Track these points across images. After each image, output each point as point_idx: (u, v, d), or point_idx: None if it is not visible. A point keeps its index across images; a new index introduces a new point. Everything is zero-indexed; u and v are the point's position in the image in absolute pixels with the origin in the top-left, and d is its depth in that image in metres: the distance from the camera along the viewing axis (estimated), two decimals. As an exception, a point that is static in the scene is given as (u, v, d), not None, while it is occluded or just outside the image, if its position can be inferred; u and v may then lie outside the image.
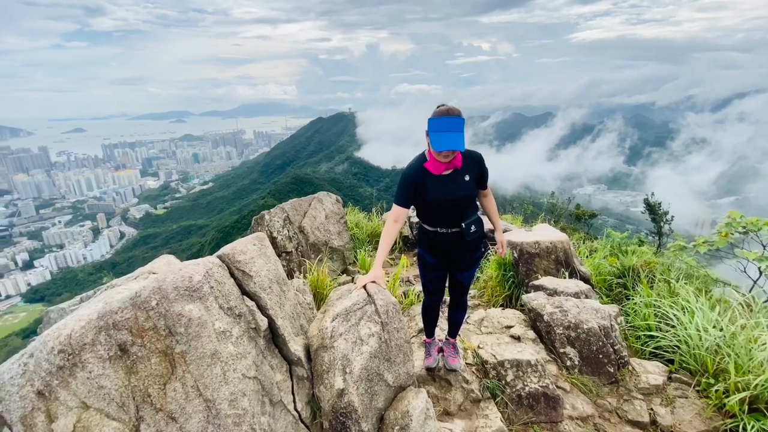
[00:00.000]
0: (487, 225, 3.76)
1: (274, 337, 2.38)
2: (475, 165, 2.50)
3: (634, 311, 3.76)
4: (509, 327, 3.63)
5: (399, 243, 6.56)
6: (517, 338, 3.43)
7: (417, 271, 2.89)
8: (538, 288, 3.95)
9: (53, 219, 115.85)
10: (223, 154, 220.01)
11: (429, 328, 3.11)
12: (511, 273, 4.46)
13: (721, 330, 3.13)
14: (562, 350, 3.27)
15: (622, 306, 3.96)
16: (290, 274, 4.93)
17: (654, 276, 4.15)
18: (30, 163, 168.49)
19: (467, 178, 2.45)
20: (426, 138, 2.37)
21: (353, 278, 5.24)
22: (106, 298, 2.14)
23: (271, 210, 5.39)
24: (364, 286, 2.64)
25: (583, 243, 6.25)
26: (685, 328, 3.22)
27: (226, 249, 2.33)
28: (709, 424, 2.73)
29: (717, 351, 3.03)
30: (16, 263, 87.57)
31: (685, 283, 3.83)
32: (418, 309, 3.94)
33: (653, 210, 9.04)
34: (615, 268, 4.54)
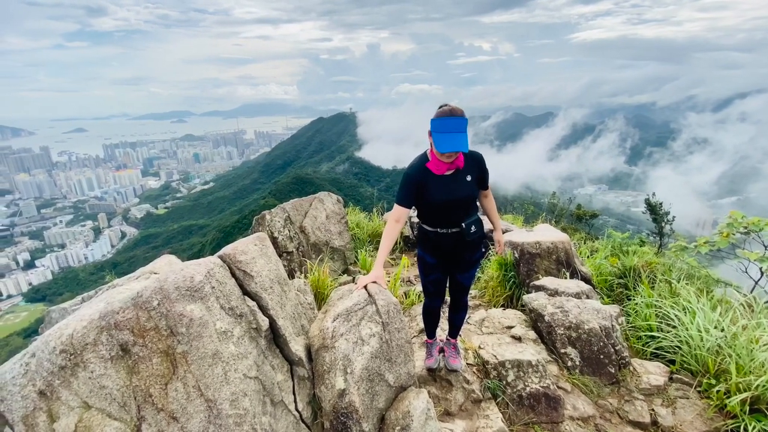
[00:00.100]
0: (487, 225, 3.76)
1: (276, 338, 2.38)
2: (476, 165, 2.50)
3: (635, 312, 3.75)
4: (510, 327, 3.63)
5: (400, 243, 6.56)
6: (518, 338, 3.42)
7: (418, 271, 2.89)
8: (539, 288, 3.94)
9: (54, 219, 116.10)
10: (224, 154, 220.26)
11: (430, 329, 3.11)
12: (512, 273, 4.46)
13: (722, 330, 3.13)
14: (563, 350, 3.27)
15: (623, 306, 3.95)
16: (291, 274, 4.93)
17: (655, 276, 4.14)
18: (31, 163, 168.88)
19: (469, 178, 2.45)
20: (429, 138, 2.36)
21: (354, 278, 5.24)
22: (108, 298, 2.15)
23: (272, 210, 5.40)
24: (365, 287, 2.64)
25: (584, 243, 6.25)
26: (687, 329, 3.22)
27: (227, 249, 2.33)
28: (710, 425, 2.73)
29: (718, 351, 3.03)
30: (17, 263, 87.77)
31: (687, 284, 3.83)
32: (419, 309, 3.94)
33: (654, 210, 9.02)
34: (616, 269, 4.54)
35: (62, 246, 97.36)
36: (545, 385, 2.88)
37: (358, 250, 5.79)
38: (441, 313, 3.13)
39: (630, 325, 3.68)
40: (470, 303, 4.36)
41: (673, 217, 8.94)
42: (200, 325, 1.91)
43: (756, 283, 4.19)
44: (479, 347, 3.25)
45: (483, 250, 2.72)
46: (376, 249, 5.75)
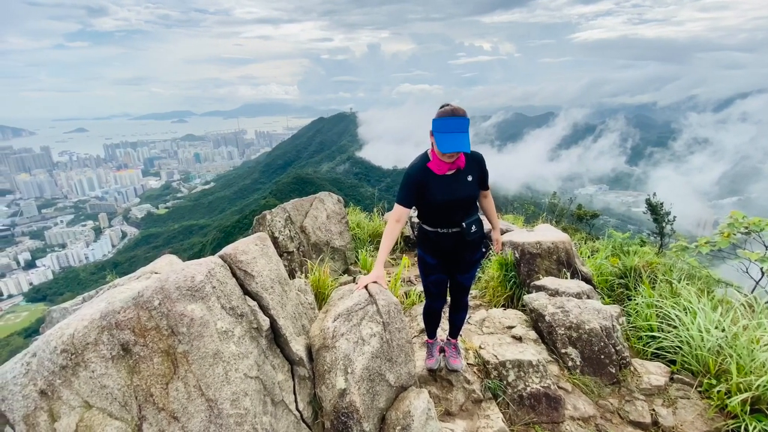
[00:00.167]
0: (487, 225, 3.76)
1: (276, 337, 2.38)
2: (477, 166, 2.50)
3: (636, 312, 3.75)
4: (511, 327, 3.62)
5: (400, 243, 6.56)
6: (519, 339, 3.42)
7: (418, 271, 2.89)
8: (539, 288, 3.94)
9: (55, 218, 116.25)
10: (225, 154, 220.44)
11: (431, 330, 3.10)
12: (513, 273, 4.45)
13: (723, 331, 3.12)
14: (563, 351, 3.27)
15: (624, 306, 3.95)
16: (292, 274, 4.94)
17: (656, 276, 4.14)
18: (32, 163, 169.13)
19: (470, 178, 2.45)
20: (430, 138, 2.36)
21: (355, 278, 5.24)
22: (109, 297, 2.15)
23: (273, 210, 5.40)
24: (366, 286, 2.64)
25: (585, 243, 6.25)
26: (687, 329, 3.22)
27: (228, 249, 2.33)
28: (711, 425, 2.73)
29: (719, 352, 3.03)
30: (18, 263, 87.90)
31: (687, 284, 3.82)
32: (419, 309, 3.94)
33: (655, 210, 9.02)
34: (617, 269, 4.54)
35: (63, 246, 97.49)
36: (546, 385, 2.88)
37: (359, 250, 5.79)
38: (442, 313, 3.14)
39: (631, 325, 3.67)
40: (471, 303, 4.35)
41: (674, 217, 8.94)
42: (201, 324, 1.92)
43: (757, 283, 4.19)
44: (480, 347, 3.25)
45: (483, 250, 2.72)
46: (377, 249, 5.75)
